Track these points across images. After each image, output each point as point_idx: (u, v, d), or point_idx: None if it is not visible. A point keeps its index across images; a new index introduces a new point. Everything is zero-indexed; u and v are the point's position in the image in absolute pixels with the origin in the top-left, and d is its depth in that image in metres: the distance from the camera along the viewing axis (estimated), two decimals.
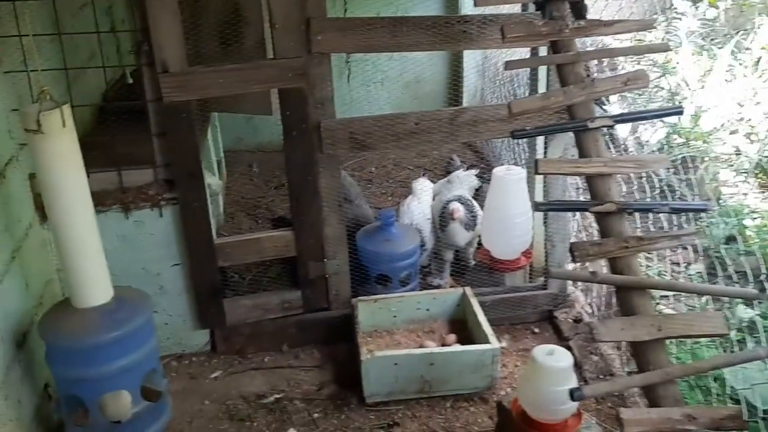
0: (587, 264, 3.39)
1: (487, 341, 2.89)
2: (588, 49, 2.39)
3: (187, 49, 2.83)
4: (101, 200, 2.90)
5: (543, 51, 3.02)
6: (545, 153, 3.19)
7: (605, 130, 2.20)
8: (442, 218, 3.47)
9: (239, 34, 3.62)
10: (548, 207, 2.07)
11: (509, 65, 2.32)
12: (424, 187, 3.81)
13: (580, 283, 3.47)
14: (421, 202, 3.64)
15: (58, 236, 2.30)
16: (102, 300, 2.36)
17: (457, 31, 2.83)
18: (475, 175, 3.91)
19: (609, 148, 2.16)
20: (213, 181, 3.91)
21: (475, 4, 2.35)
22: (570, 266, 3.34)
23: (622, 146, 4.38)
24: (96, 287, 2.34)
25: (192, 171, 2.89)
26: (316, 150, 2.97)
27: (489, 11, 2.80)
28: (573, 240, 3.27)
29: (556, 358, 2.35)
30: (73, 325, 2.29)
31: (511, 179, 3.24)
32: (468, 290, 3.22)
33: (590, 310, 3.39)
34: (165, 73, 2.72)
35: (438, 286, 3.62)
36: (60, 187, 2.21)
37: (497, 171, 3.31)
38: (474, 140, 3.83)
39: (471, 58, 5.20)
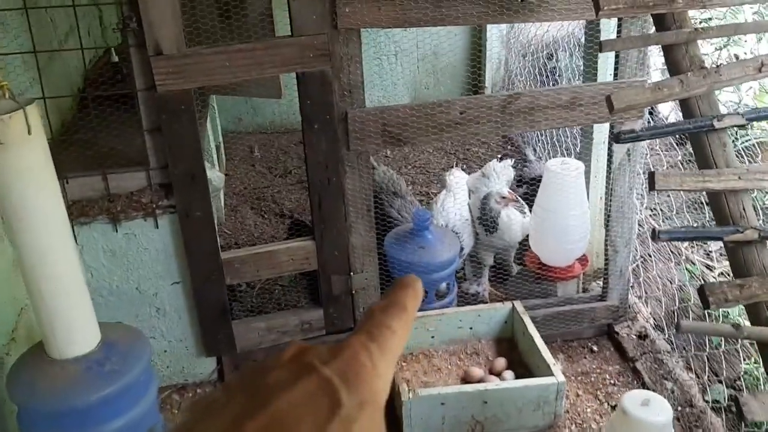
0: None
1: (548, 372, 2.44)
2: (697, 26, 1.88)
3: (185, 20, 2.32)
4: (84, 210, 2.40)
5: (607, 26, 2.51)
6: (607, 142, 2.70)
7: (735, 131, 1.72)
8: (485, 214, 2.99)
9: (242, 4, 3.08)
10: (670, 236, 1.61)
11: (606, 46, 1.82)
12: (459, 180, 3.30)
13: (639, 293, 3.02)
14: (456, 199, 3.15)
15: (25, 271, 1.80)
16: (86, 348, 1.87)
17: (515, 1, 2.32)
18: (511, 166, 3.41)
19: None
20: (214, 174, 3.40)
21: None
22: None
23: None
24: (78, 333, 1.85)
25: (193, 173, 2.39)
26: (342, 145, 2.47)
27: None
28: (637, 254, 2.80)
29: (653, 411, 1.90)
30: (50, 383, 1.81)
31: (567, 174, 2.76)
32: (518, 305, 2.76)
33: (655, 323, 2.94)
34: (158, 56, 2.20)
35: (476, 295, 3.16)
36: (25, 210, 1.70)
37: (551, 164, 2.83)
38: (529, 131, 3.34)
39: (494, 25, 4.65)
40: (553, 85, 3.93)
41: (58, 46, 3.21)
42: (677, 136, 1.97)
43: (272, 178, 4.36)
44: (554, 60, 3.90)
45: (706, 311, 2.66)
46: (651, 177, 1.57)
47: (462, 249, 3.05)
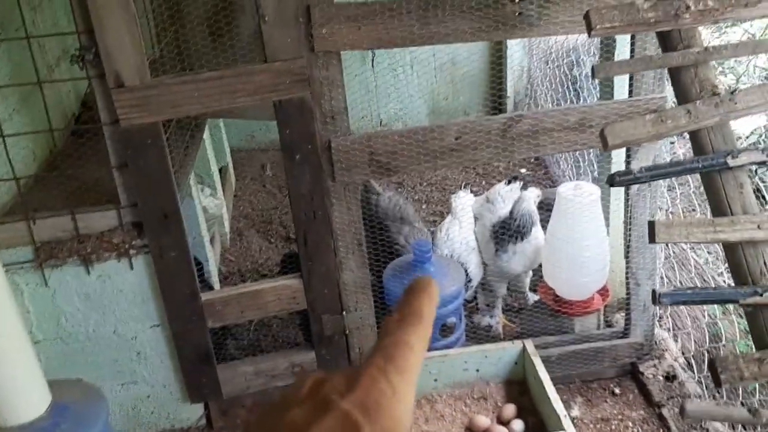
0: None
1: (559, 425, 2.19)
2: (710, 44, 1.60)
3: (171, 41, 2.16)
4: (53, 252, 2.26)
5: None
6: (627, 163, 2.43)
7: (754, 169, 1.45)
8: (513, 221, 2.71)
9: (231, 23, 2.91)
10: (673, 300, 1.36)
11: (599, 71, 1.57)
12: (465, 204, 3.06)
13: (669, 328, 2.73)
14: (462, 226, 2.91)
15: None
16: (33, 414, 1.71)
17: (511, 14, 2.08)
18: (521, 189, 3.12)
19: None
20: (210, 202, 3.25)
21: None
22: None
23: None
24: (22, 397, 1.69)
25: (166, 211, 2.22)
26: (327, 177, 2.27)
27: None
28: (660, 288, 2.53)
29: None
30: None
31: (581, 201, 2.50)
32: (529, 345, 2.51)
33: (685, 362, 2.65)
34: (119, 88, 2.04)
35: (488, 328, 2.92)
36: None
37: (563, 190, 2.57)
38: (533, 156, 3.08)
39: None
40: (576, 94, 3.66)
41: (47, 71, 3.09)
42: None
43: (282, 198, 4.18)
44: (576, 68, 3.62)
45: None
46: (651, 228, 1.32)
47: (470, 280, 2.81)
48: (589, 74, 3.57)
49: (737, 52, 1.57)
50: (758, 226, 1.34)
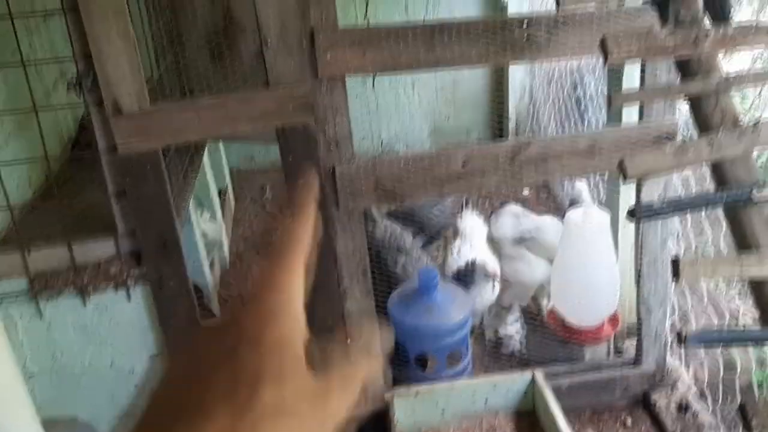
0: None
1: None
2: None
3: (171, 65, 2.11)
4: (49, 283, 2.19)
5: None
6: (638, 189, 2.37)
7: None
8: (467, 274, 2.75)
9: (233, 44, 2.87)
10: (701, 341, 1.29)
11: (617, 100, 1.52)
12: (472, 224, 3.03)
13: (681, 356, 2.66)
14: (473, 246, 2.87)
15: None
16: None
17: (519, 38, 2.03)
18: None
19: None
20: (210, 227, 3.18)
21: (559, 5, 1.54)
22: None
23: None
24: None
25: (165, 240, 2.15)
26: (331, 204, 2.21)
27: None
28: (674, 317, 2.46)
29: None
30: None
31: (591, 227, 2.44)
32: (539, 376, 2.44)
33: (698, 392, 2.58)
34: (118, 115, 1.98)
35: (504, 338, 2.89)
36: None
37: (572, 215, 2.52)
38: (542, 182, 3.04)
39: None
40: (580, 116, 3.61)
41: (44, 95, 3.04)
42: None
43: (282, 219, 4.11)
44: (579, 88, 3.58)
45: (757, 391, 2.30)
46: (675, 266, 1.27)
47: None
48: (593, 95, 3.53)
49: (758, 79, 1.52)
50: None
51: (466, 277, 2.80)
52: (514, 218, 3.02)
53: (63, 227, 2.24)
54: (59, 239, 2.18)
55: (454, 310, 2.56)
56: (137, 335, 2.30)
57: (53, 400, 2.31)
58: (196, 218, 2.91)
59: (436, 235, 3.31)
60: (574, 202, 3.00)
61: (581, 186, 3.06)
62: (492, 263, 2.81)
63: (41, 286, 2.18)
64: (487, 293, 2.79)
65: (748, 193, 1.32)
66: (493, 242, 2.94)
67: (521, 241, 2.99)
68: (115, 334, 2.29)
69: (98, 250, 2.20)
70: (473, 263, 2.80)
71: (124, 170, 2.05)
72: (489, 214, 3.18)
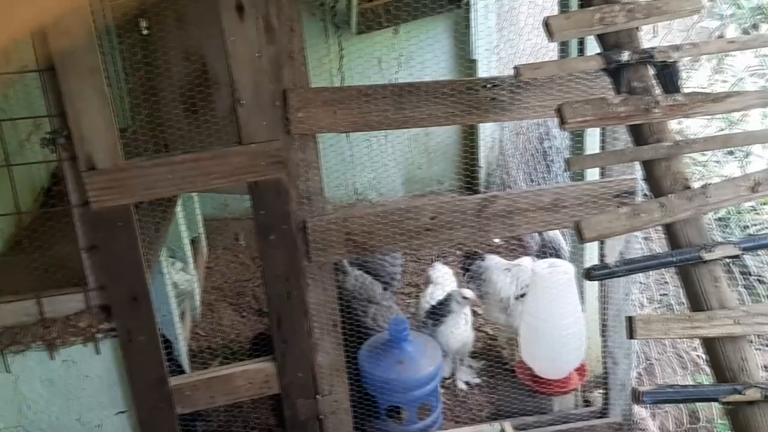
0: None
1: None
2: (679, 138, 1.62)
3: (146, 117, 2.14)
4: (16, 338, 2.17)
5: None
6: (600, 246, 2.44)
7: (727, 262, 1.47)
8: (441, 306, 2.79)
9: (208, 99, 2.92)
10: (654, 399, 1.34)
11: (573, 164, 1.59)
12: (443, 273, 3.11)
13: (647, 406, 2.70)
14: (445, 290, 2.93)
15: None
16: None
17: (484, 99, 2.11)
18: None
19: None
20: (181, 277, 3.19)
21: (517, 75, 1.61)
22: None
23: None
24: None
25: (136, 294, 2.16)
26: (302, 257, 2.25)
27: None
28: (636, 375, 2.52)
29: None
30: None
31: (557, 279, 2.50)
32: (507, 428, 2.46)
33: None
34: (91, 171, 2.01)
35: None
36: None
37: (538, 268, 2.58)
38: (508, 236, 3.11)
39: None
40: (547, 167, 3.71)
41: (18, 146, 3.05)
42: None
43: (255, 269, 4.12)
44: (546, 140, 3.69)
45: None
46: (630, 323, 1.32)
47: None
48: (559, 147, 3.64)
49: (707, 145, 1.60)
50: (736, 321, 1.34)
51: (442, 307, 2.82)
52: (509, 275, 3.02)
53: (33, 280, 2.24)
54: (28, 292, 2.18)
55: (425, 362, 2.58)
56: (105, 389, 2.28)
57: None
58: (167, 269, 2.92)
59: (390, 282, 3.36)
60: (544, 248, 3.07)
61: (555, 233, 3.15)
62: (468, 292, 2.83)
63: (9, 341, 2.17)
64: (462, 324, 2.80)
65: (698, 254, 1.39)
66: (501, 302, 2.96)
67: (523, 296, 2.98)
68: (84, 388, 2.27)
69: (68, 303, 2.20)
70: (449, 294, 2.85)
71: (96, 225, 2.07)
72: (465, 264, 3.21)
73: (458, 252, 4.12)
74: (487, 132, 4.56)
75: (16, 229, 2.72)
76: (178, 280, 3.15)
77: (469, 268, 3.10)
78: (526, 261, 3.07)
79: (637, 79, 1.53)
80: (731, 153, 3.01)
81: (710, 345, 1.39)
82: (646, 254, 1.47)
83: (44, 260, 2.31)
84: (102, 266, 2.13)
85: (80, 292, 2.18)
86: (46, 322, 2.18)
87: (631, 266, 1.45)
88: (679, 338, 1.36)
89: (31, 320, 2.19)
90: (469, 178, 4.65)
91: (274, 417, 2.69)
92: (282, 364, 2.34)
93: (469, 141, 4.61)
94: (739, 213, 3.00)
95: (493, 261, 3.09)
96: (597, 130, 2.32)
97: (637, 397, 1.33)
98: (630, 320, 1.34)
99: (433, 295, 3.03)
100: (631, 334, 1.33)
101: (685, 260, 1.39)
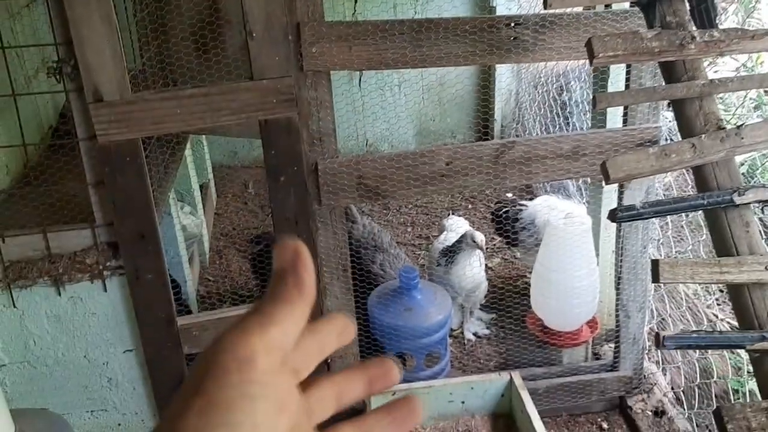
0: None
1: None
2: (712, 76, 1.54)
3: (154, 55, 2.07)
4: (23, 272, 2.15)
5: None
6: (620, 193, 2.37)
7: (760, 208, 1.41)
8: (453, 247, 2.75)
9: (218, 36, 2.84)
10: (677, 344, 1.29)
11: (601, 101, 1.52)
12: (458, 223, 3.05)
13: (658, 361, 2.67)
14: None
15: None
16: None
17: (506, 38, 2.03)
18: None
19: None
20: (190, 221, 3.15)
21: (546, 6, 1.53)
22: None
23: None
24: None
25: (143, 232, 2.12)
26: (313, 200, 2.20)
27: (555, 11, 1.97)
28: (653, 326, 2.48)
29: None
30: None
31: (573, 230, 2.44)
32: (516, 377, 2.44)
33: (674, 397, 2.59)
34: (98, 103, 1.95)
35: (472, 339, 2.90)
36: None
37: (553, 219, 2.52)
38: (525, 184, 3.03)
39: None
40: (565, 120, 3.62)
41: (25, 82, 2.99)
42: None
43: (264, 217, 4.09)
44: (565, 93, 3.59)
45: (733, 397, 2.31)
46: (654, 267, 1.26)
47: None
48: (578, 100, 3.54)
49: (744, 84, 1.52)
50: (766, 268, 1.29)
51: (453, 248, 2.77)
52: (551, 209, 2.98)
53: (39, 216, 2.21)
54: (35, 228, 2.15)
55: (433, 310, 2.55)
56: (112, 328, 2.27)
57: (24, 392, 2.27)
58: (176, 211, 2.88)
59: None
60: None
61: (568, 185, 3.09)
62: (480, 237, 2.78)
63: (15, 275, 2.15)
64: (476, 265, 2.75)
65: (729, 197, 1.33)
66: None
67: None
68: (90, 325, 2.25)
69: (75, 239, 2.16)
70: (462, 235, 2.80)
71: (103, 160, 2.02)
72: (499, 210, 3.13)
73: (469, 206, 4.07)
74: (504, 83, 4.46)
75: (23, 166, 2.68)
76: (187, 224, 3.12)
77: (501, 215, 3.05)
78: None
79: (671, 14, 1.44)
80: (757, 108, 2.92)
81: (737, 292, 1.34)
82: (680, 198, 1.40)
83: (51, 195, 2.27)
84: (110, 202, 2.08)
85: (87, 228, 2.15)
86: (53, 258, 2.16)
87: (658, 208, 1.39)
88: (705, 283, 1.31)
89: (38, 255, 2.16)
90: (483, 131, 4.56)
91: None
92: None
93: (485, 92, 4.51)
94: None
95: (548, 202, 2.99)
96: (621, 76, 2.24)
97: (659, 341, 1.29)
98: (655, 263, 1.28)
99: (447, 239, 2.98)
100: (656, 278, 1.28)
101: (715, 203, 1.33)
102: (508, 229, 2.99)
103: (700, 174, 1.40)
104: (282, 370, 0.44)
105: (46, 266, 2.15)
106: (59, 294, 2.20)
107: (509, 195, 4.07)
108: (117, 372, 2.33)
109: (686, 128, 1.41)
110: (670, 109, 1.54)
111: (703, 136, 1.36)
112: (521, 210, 3.03)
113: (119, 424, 2.40)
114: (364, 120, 4.63)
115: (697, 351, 2.41)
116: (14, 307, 2.19)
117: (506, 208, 3.08)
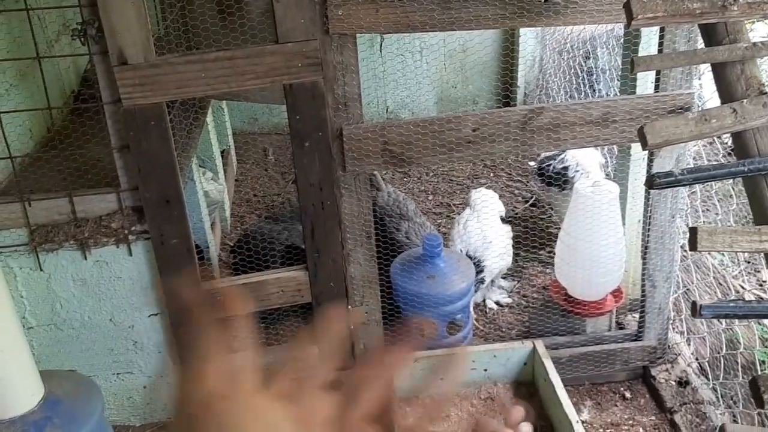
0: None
1: (570, 431, 2.12)
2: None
3: (177, 18, 2.05)
4: (49, 236, 2.16)
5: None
6: (650, 161, 2.33)
7: None
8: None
9: (242, 0, 2.80)
10: (714, 313, 1.27)
11: (639, 64, 1.47)
12: (485, 199, 2.98)
13: (683, 331, 2.65)
14: (480, 220, 2.83)
15: None
16: (24, 407, 1.62)
17: (537, 1, 1.97)
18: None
19: None
20: (212, 186, 3.15)
21: None
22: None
23: None
24: (12, 391, 1.60)
25: (168, 196, 2.12)
26: (337, 166, 2.18)
27: None
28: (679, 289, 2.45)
29: None
30: None
31: (600, 199, 2.41)
32: (539, 346, 2.43)
33: (698, 368, 2.57)
34: (123, 66, 1.93)
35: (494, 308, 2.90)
36: None
37: (580, 186, 2.48)
38: (553, 150, 2.98)
39: None
40: (590, 87, 3.56)
41: (47, 46, 2.98)
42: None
43: (285, 184, 4.08)
44: (591, 59, 3.52)
45: (760, 368, 2.29)
46: (693, 234, 1.23)
47: (482, 278, 2.73)
48: (604, 67, 3.47)
49: None
50: None
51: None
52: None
53: (64, 180, 2.21)
54: (60, 191, 2.15)
55: (456, 278, 2.54)
56: (137, 292, 2.28)
57: (51, 354, 2.31)
58: (198, 177, 2.88)
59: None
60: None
61: (593, 156, 3.05)
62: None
63: (42, 239, 2.16)
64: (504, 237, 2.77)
65: None
66: None
67: None
68: (116, 289, 2.27)
69: (100, 203, 2.17)
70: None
71: (128, 123, 2.01)
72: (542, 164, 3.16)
73: (491, 174, 4.03)
74: (528, 50, 4.38)
75: (47, 130, 2.69)
76: (209, 190, 3.12)
77: (545, 167, 3.07)
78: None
79: None
80: None
81: None
82: (720, 165, 1.36)
83: (76, 160, 2.27)
84: (134, 167, 2.08)
85: (112, 192, 2.15)
86: (79, 222, 2.16)
87: (697, 174, 1.35)
88: (744, 252, 1.29)
89: (64, 219, 2.17)
90: (506, 99, 4.50)
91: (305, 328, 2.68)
92: (314, 273, 2.31)
93: (508, 58, 4.43)
94: None
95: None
96: (654, 41, 2.18)
97: (696, 310, 1.27)
98: (694, 230, 1.26)
99: (466, 225, 2.91)
100: (693, 246, 1.25)
101: (756, 170, 1.29)
102: (558, 177, 3.03)
103: (740, 140, 1.36)
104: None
105: (72, 230, 2.16)
106: (85, 258, 2.21)
107: (531, 164, 4.03)
108: (142, 335, 2.35)
109: (726, 93, 1.37)
110: (699, 79, 1.49)
111: (745, 101, 1.32)
112: (563, 157, 3.06)
113: (144, 387, 2.44)
114: (385, 87, 4.58)
115: (723, 322, 2.38)
116: (41, 270, 2.21)
117: (550, 159, 3.08)
